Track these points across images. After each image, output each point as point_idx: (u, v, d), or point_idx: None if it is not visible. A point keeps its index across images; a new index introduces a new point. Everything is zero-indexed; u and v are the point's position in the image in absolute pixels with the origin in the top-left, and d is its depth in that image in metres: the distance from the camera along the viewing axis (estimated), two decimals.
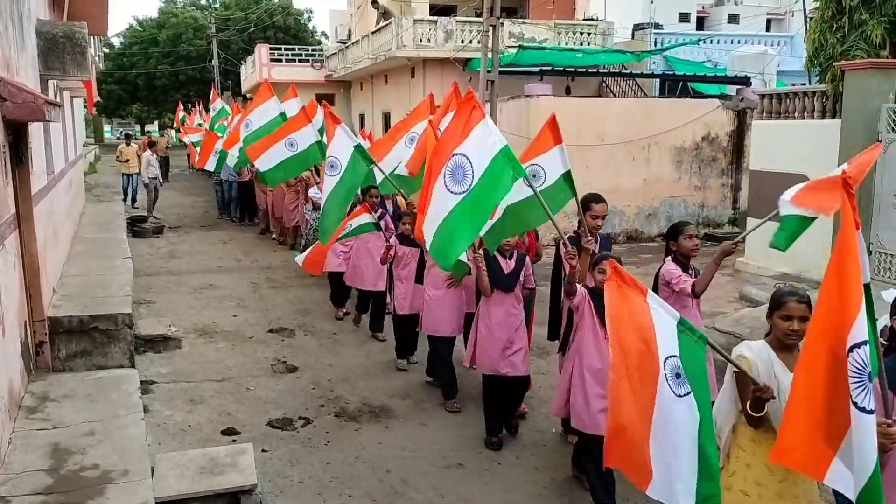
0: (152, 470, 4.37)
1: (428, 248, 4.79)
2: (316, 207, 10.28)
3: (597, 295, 4.40)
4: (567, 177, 4.99)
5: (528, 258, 5.75)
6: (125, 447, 4.52)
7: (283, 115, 10.24)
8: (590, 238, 4.95)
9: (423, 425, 5.88)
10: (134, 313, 7.18)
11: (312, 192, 10.68)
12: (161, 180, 18.97)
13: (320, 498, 4.71)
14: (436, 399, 6.40)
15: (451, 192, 4.50)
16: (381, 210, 8.15)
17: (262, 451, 5.30)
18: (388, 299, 8.13)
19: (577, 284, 4.63)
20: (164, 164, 24.96)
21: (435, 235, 4.59)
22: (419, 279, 6.83)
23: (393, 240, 7.11)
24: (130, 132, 19.82)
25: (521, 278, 5.54)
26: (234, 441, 5.45)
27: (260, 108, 10.62)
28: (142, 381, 6.15)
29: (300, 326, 8.67)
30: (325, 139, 9.95)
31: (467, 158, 4.47)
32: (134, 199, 18.70)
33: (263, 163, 9.18)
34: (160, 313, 9.01)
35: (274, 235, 14.93)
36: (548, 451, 5.36)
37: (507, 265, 5.49)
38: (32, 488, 3.96)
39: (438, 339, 6.42)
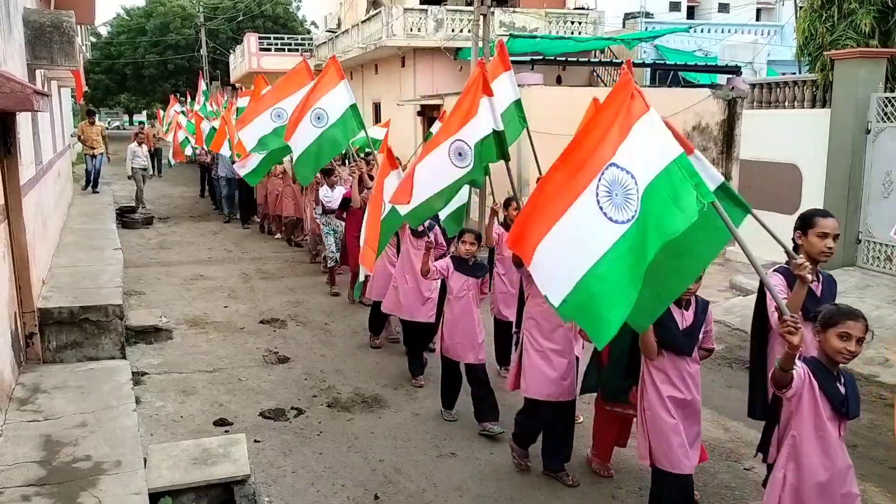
0: (145, 461, 4.37)
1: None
2: (326, 210, 9.84)
3: (822, 368, 3.22)
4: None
5: (709, 308, 4.10)
6: (117, 438, 4.52)
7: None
8: (805, 263, 3.56)
9: (416, 415, 5.90)
10: (124, 304, 7.15)
11: (323, 193, 9.79)
12: (151, 172, 18.05)
13: (313, 488, 4.72)
14: (427, 388, 6.42)
15: (610, 220, 3.07)
16: (429, 220, 6.35)
17: (255, 441, 5.31)
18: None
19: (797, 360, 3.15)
20: (155, 156, 24.37)
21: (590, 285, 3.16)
22: None
23: (444, 263, 5.66)
24: (94, 110, 17.51)
25: (701, 335, 4.00)
26: (226, 432, 5.45)
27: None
28: (133, 373, 6.13)
29: (292, 317, 8.66)
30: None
31: (627, 172, 3.09)
32: (95, 184, 15.93)
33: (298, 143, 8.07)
34: (151, 304, 8.98)
35: (278, 236, 14.05)
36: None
37: (685, 318, 3.93)
38: (25, 480, 3.96)
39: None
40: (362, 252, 6.48)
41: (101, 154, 15.98)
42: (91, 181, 15.95)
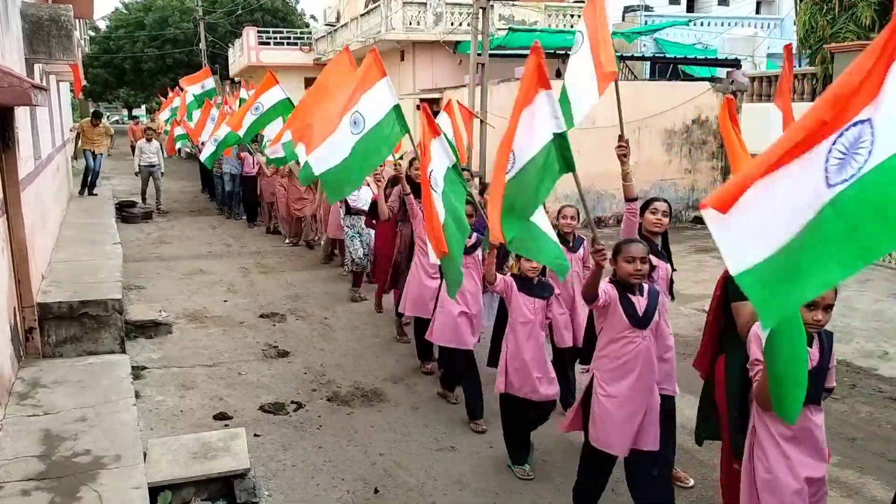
0: (145, 455, 4.37)
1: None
2: (352, 211, 9.04)
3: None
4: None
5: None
6: (117, 432, 4.52)
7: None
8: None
9: (416, 409, 5.90)
10: (124, 299, 7.16)
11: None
12: (162, 171, 16.89)
13: (313, 481, 4.73)
14: (427, 383, 6.43)
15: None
16: (475, 234, 5.78)
17: (255, 435, 5.31)
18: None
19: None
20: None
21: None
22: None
23: (507, 279, 4.88)
24: (101, 112, 16.37)
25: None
26: (226, 426, 5.46)
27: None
28: (133, 367, 6.14)
29: (291, 311, 8.67)
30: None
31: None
32: (93, 186, 14.58)
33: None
34: (150, 299, 8.98)
35: (288, 240, 13.10)
36: (539, 437, 5.38)
37: (810, 357, 3.14)
38: (25, 474, 3.96)
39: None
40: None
41: (102, 154, 15.07)
42: (89, 183, 14.48)
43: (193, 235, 13.92)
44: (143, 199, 16.80)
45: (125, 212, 15.10)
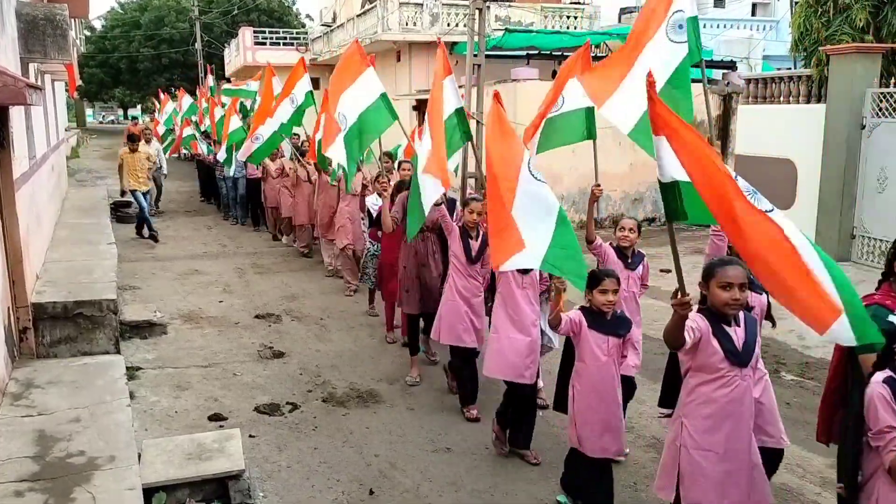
0: (139, 456, 4.36)
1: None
2: (374, 222, 7.98)
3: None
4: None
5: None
6: (111, 433, 4.51)
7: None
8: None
9: (411, 410, 5.89)
10: (119, 299, 7.14)
11: (371, 200, 8.09)
12: (165, 173, 16.62)
13: (308, 483, 4.72)
14: (423, 384, 6.42)
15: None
16: None
17: (250, 436, 5.30)
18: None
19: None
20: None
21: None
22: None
23: (576, 316, 4.17)
24: (137, 135, 13.88)
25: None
26: (221, 427, 5.44)
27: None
28: (127, 367, 6.12)
29: (287, 312, 8.65)
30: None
31: None
32: (149, 227, 13.20)
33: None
34: (145, 299, 8.96)
35: (284, 239, 12.96)
36: (536, 436, 5.38)
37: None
38: (18, 475, 3.94)
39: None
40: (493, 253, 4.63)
41: (149, 190, 13.44)
42: (146, 225, 13.18)
43: (189, 235, 13.89)
44: (157, 198, 16.49)
45: (120, 212, 15.05)
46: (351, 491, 4.62)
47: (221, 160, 14.05)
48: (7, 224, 5.74)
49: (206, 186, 18.33)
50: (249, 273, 10.71)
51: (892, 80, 9.58)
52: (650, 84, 2.89)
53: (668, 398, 4.38)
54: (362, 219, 9.00)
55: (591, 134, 5.71)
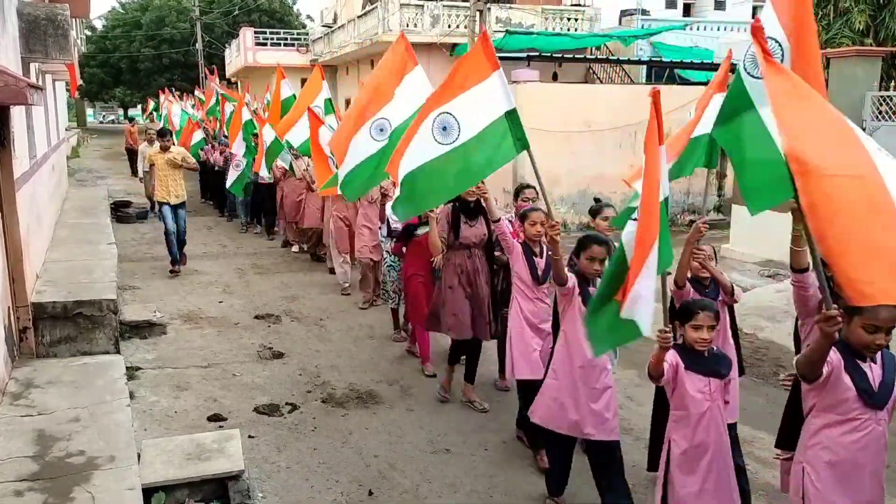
0: (139, 456, 4.36)
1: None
2: (395, 234, 7.15)
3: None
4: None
5: None
6: (111, 433, 4.51)
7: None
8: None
9: (410, 411, 5.90)
10: (119, 299, 7.14)
11: (391, 209, 6.89)
12: None
13: (307, 483, 4.72)
14: (422, 385, 6.42)
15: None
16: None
17: (249, 437, 5.31)
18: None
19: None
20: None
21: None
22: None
23: (672, 357, 3.52)
24: (168, 129, 11.91)
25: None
26: (220, 427, 5.45)
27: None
28: (127, 367, 6.12)
29: (286, 312, 8.66)
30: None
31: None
32: (180, 252, 10.72)
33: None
34: (145, 299, 8.96)
35: (295, 249, 12.23)
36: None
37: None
38: (18, 475, 3.95)
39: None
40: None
41: (185, 204, 10.56)
42: (173, 253, 10.43)
43: (189, 236, 13.85)
44: (151, 202, 14.96)
45: (120, 212, 15.05)
46: (350, 492, 4.63)
47: (239, 168, 12.26)
48: (7, 223, 5.74)
49: (207, 187, 18.04)
50: (249, 273, 10.72)
51: (892, 84, 9.60)
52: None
53: (788, 438, 3.81)
54: (379, 228, 8.08)
55: (709, 163, 4.67)
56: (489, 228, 5.65)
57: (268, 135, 10.60)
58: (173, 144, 10.71)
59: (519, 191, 6.09)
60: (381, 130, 5.25)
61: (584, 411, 4.07)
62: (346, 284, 9.61)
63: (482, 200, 5.24)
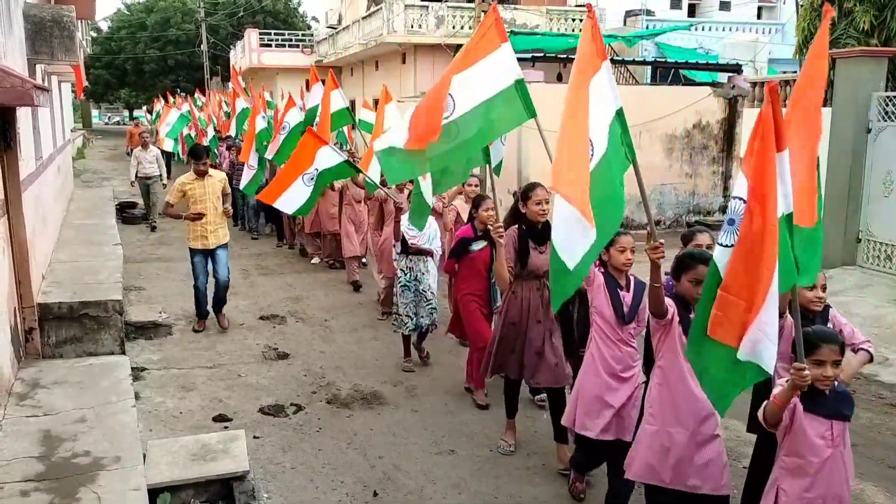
0: (144, 456, 4.37)
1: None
2: (410, 251, 6.62)
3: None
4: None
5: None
6: (117, 434, 4.52)
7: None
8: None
9: (415, 412, 5.90)
10: (124, 300, 7.16)
11: (406, 223, 6.44)
12: (164, 182, 14.53)
13: (312, 484, 4.72)
14: (427, 386, 6.42)
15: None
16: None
17: (254, 437, 5.31)
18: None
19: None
20: (166, 159, 22.62)
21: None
22: None
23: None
24: (203, 146, 8.72)
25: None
26: (225, 427, 5.45)
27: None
28: (133, 368, 6.13)
29: (291, 313, 8.66)
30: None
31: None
32: (219, 306, 8.23)
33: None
34: (150, 300, 8.98)
35: (315, 260, 11.50)
36: (539, 437, 5.39)
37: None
38: (24, 475, 3.96)
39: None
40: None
41: (226, 244, 7.96)
42: (211, 306, 8.12)
43: None
44: (148, 212, 14.66)
45: (126, 213, 15.09)
46: (355, 492, 4.63)
47: (253, 169, 11.09)
48: (13, 224, 5.76)
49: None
50: (254, 274, 10.73)
51: None
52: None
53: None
54: (393, 245, 7.19)
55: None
56: None
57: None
58: (212, 167, 8.03)
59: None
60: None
61: (690, 460, 3.53)
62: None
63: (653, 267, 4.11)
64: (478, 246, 5.79)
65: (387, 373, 6.74)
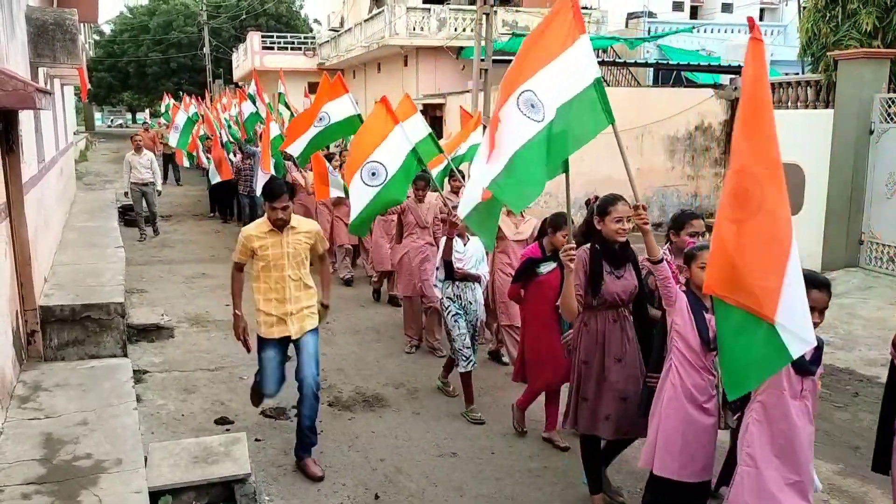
0: (145, 459, 4.37)
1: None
2: (456, 276, 5.88)
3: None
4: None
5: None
6: (118, 436, 4.51)
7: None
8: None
9: (417, 414, 5.89)
10: (126, 302, 7.16)
11: (458, 246, 5.85)
12: (160, 186, 13.67)
13: (314, 487, 4.72)
14: (429, 388, 6.41)
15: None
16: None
17: (256, 440, 5.31)
18: None
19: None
20: (169, 162, 22.04)
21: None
22: None
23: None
24: (285, 183, 5.54)
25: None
26: (227, 430, 5.45)
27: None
28: (134, 371, 6.13)
29: None
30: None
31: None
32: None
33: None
34: (152, 302, 8.98)
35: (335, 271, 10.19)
36: (541, 440, 5.37)
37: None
38: (25, 478, 3.95)
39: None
40: None
41: (316, 329, 5.25)
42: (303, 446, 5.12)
43: (196, 239, 13.92)
44: (141, 230, 13.46)
45: (128, 215, 15.09)
46: (356, 495, 4.62)
47: (267, 175, 10.63)
48: (16, 227, 5.76)
49: (219, 200, 16.41)
50: None
51: None
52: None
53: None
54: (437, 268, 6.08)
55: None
56: (640, 277, 4.30)
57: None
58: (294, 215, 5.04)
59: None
60: (533, 107, 3.94)
61: None
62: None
63: (643, 233, 3.79)
64: (547, 268, 5.08)
65: (388, 375, 6.73)
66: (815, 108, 10.49)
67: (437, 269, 6.00)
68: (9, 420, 4.70)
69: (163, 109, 27.41)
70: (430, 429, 5.62)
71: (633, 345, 4.27)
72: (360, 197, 6.02)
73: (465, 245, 5.87)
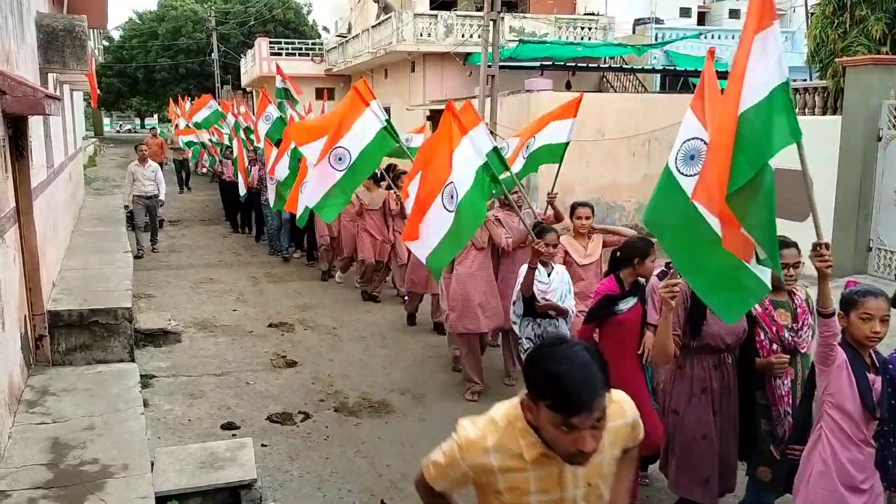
0: (152, 464, 4.38)
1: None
2: (542, 310, 5.21)
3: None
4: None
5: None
6: (125, 441, 4.52)
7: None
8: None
9: (422, 420, 5.89)
10: (134, 307, 7.18)
11: (541, 277, 5.19)
12: (162, 199, 12.70)
13: (320, 492, 4.72)
14: (435, 394, 6.41)
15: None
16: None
17: (262, 445, 5.31)
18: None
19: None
20: (183, 168, 22.26)
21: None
22: None
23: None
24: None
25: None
26: (233, 435, 5.46)
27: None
28: (141, 376, 6.15)
29: (300, 321, 8.67)
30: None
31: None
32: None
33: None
34: (160, 307, 9.01)
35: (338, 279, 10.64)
36: None
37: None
38: (32, 482, 3.97)
39: None
40: None
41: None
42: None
43: (204, 244, 13.97)
44: (139, 244, 12.21)
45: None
46: (362, 501, 4.62)
47: (273, 183, 10.46)
48: (25, 232, 5.79)
49: (232, 209, 15.65)
50: (263, 282, 10.75)
51: None
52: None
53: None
54: (513, 302, 5.44)
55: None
56: (751, 319, 3.73)
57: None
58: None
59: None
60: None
61: None
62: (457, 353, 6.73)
63: (820, 277, 3.01)
64: (626, 305, 4.17)
65: (395, 381, 6.73)
66: (823, 114, 10.47)
67: (514, 303, 5.28)
68: (17, 424, 4.72)
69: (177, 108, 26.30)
70: (436, 435, 5.55)
71: (733, 397, 3.78)
72: (439, 226, 5.02)
73: (549, 276, 5.11)
